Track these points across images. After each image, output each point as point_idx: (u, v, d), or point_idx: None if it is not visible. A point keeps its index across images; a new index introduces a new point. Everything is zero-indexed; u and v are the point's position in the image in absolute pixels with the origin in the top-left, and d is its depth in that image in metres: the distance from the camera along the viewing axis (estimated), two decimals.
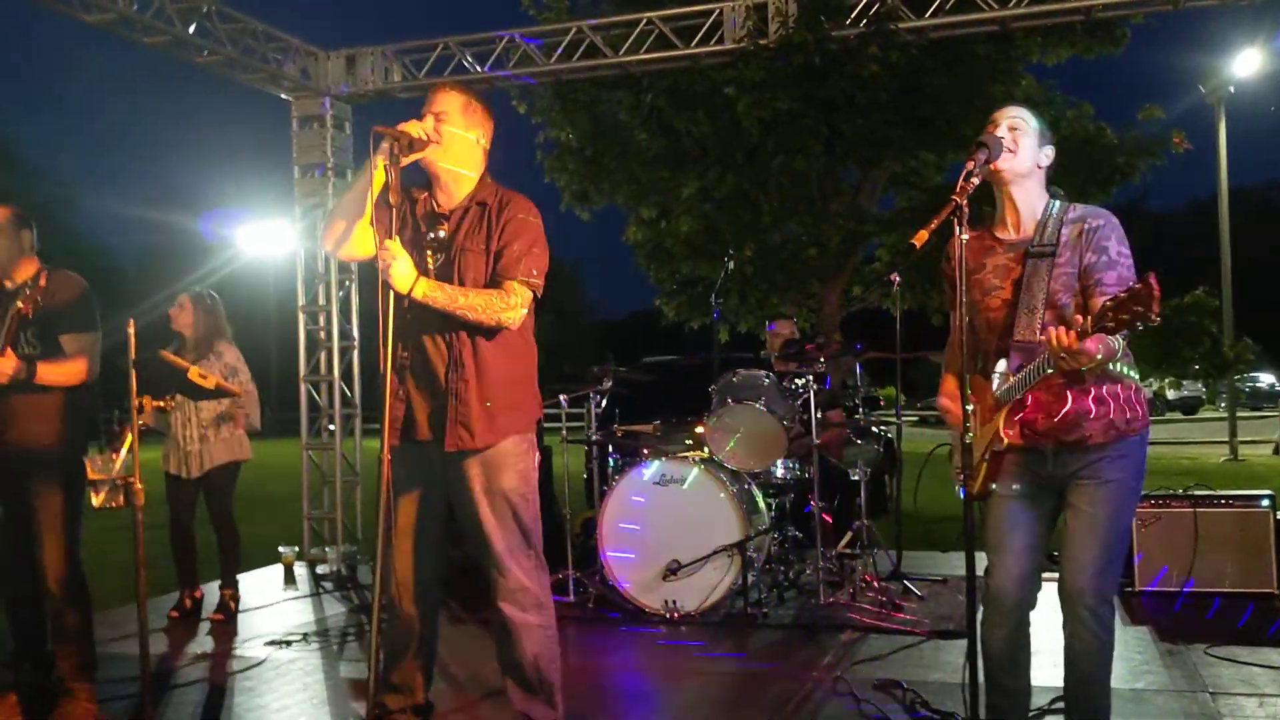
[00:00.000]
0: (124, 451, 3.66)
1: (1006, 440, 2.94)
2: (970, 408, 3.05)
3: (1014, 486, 3.07)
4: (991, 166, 2.97)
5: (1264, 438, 20.25)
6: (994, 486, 2.87)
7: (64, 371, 3.92)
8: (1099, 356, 2.73)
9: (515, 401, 3.42)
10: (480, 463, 3.35)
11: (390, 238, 3.18)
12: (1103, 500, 2.98)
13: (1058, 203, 3.07)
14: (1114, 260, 2.93)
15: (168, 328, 6.00)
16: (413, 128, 3.27)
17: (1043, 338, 2.84)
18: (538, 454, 3.53)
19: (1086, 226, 2.97)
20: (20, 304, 3.74)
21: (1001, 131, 3.02)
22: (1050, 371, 2.79)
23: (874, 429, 6.95)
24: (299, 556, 7.74)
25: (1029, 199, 3.07)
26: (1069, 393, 2.94)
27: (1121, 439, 2.97)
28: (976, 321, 3.14)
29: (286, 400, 10.57)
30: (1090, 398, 2.95)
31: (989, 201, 3.17)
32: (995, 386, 3.00)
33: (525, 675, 3.41)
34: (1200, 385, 30.32)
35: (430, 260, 3.33)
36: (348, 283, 7.95)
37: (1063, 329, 2.65)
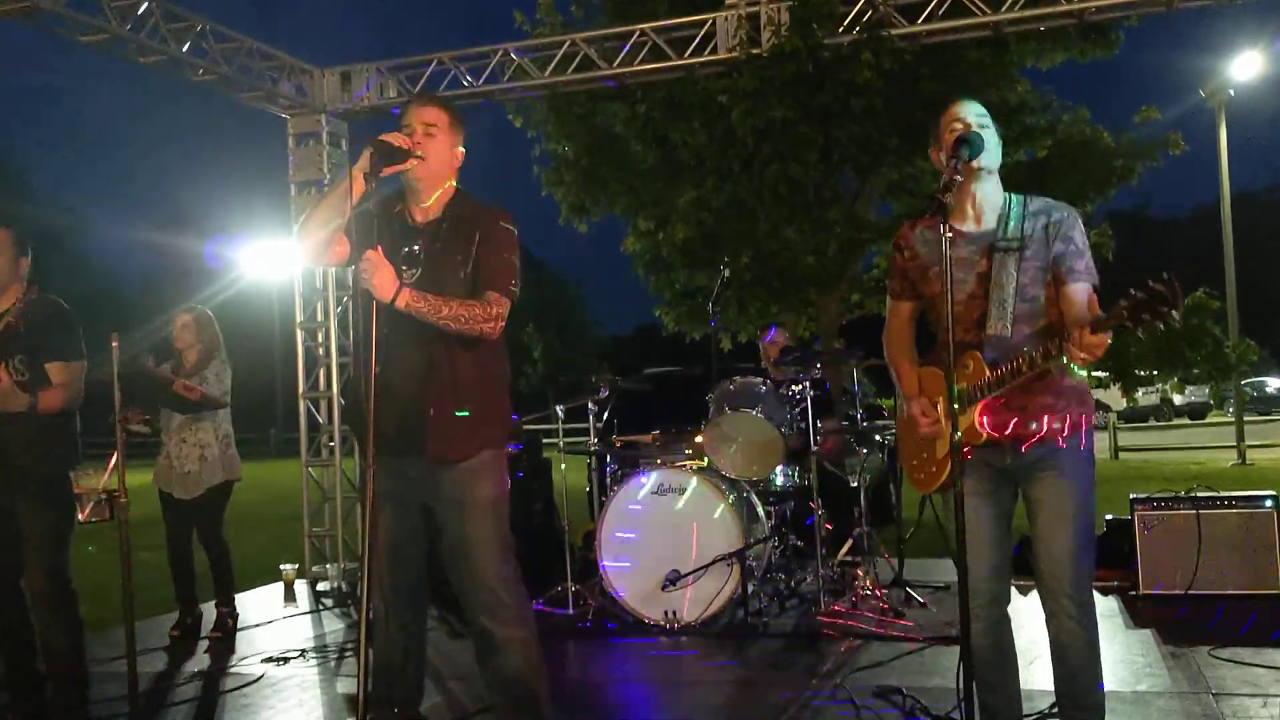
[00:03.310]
0: (110, 467, 3.67)
1: (985, 435, 2.96)
2: (928, 402, 3.13)
3: (975, 482, 3.09)
4: (975, 165, 2.98)
5: (1273, 441, 20.14)
6: (957, 480, 2.83)
7: (53, 404, 3.95)
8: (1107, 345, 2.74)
9: (493, 412, 3.40)
10: (459, 474, 3.32)
11: (372, 248, 3.15)
12: (1069, 491, 3.04)
13: (1014, 195, 3.12)
14: (1081, 249, 3.03)
15: (171, 348, 5.98)
16: (398, 139, 3.24)
17: (1013, 332, 2.95)
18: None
19: (1051, 219, 3.05)
20: (11, 319, 3.77)
21: (975, 130, 3.03)
22: (1046, 366, 2.79)
23: (876, 437, 6.91)
24: (300, 574, 7.73)
25: (991, 192, 3.11)
26: (1034, 387, 2.98)
27: (1076, 432, 3.04)
28: (934, 314, 3.14)
29: (293, 418, 10.61)
30: (1052, 393, 3.01)
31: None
32: (966, 382, 3.00)
33: (511, 690, 3.37)
34: (1207, 390, 30.18)
35: (405, 275, 3.28)
36: (345, 298, 7.95)
37: (1084, 329, 2.66)
